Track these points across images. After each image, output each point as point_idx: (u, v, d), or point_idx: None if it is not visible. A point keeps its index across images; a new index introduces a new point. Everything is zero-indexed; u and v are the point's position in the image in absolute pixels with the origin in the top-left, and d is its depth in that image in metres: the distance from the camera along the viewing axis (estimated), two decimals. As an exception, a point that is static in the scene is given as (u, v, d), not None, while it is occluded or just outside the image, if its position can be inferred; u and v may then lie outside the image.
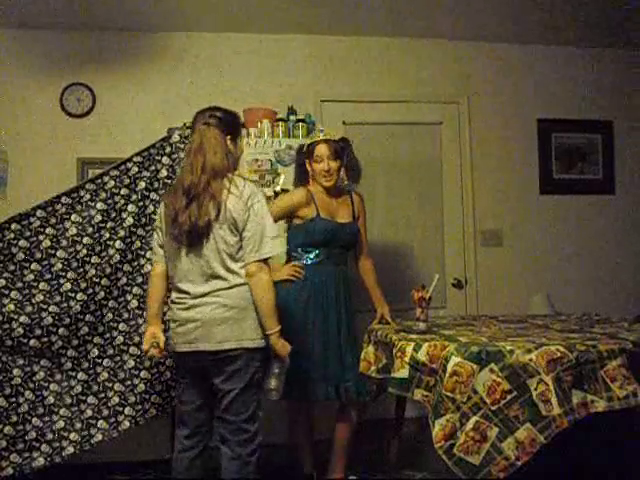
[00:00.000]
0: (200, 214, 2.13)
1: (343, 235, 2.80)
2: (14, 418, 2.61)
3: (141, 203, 2.84)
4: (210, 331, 2.16)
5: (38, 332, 2.64)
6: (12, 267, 2.70)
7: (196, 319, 2.17)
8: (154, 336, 2.32)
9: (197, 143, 2.21)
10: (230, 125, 2.27)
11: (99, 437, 2.72)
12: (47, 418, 2.67)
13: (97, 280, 2.74)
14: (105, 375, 2.75)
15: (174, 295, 2.27)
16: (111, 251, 2.77)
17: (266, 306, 2.18)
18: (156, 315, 2.34)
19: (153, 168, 2.88)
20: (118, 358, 2.76)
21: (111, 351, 2.76)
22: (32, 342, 2.63)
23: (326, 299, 2.75)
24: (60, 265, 2.74)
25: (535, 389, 2.02)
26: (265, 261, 2.19)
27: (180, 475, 2.30)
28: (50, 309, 2.67)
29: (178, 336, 2.23)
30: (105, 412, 2.74)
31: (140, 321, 2.79)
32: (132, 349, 2.77)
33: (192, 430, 2.30)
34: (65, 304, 2.69)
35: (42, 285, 2.71)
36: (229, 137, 2.26)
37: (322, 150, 2.76)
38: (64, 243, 2.76)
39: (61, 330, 2.68)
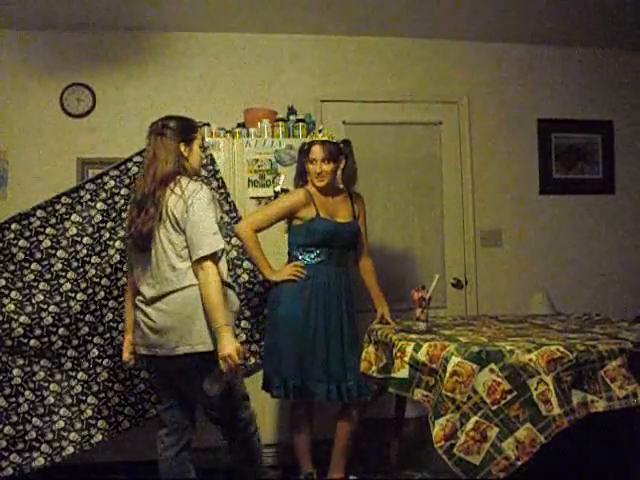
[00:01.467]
0: (143, 221, 2.20)
1: (343, 235, 2.80)
2: (14, 418, 2.62)
3: (141, 203, 2.84)
4: (162, 337, 2.20)
5: (38, 332, 2.64)
6: (12, 267, 2.70)
7: (149, 325, 2.23)
8: (132, 343, 2.40)
9: (150, 155, 2.28)
10: (182, 132, 2.30)
11: (99, 437, 2.72)
12: (47, 418, 2.67)
13: (97, 280, 2.74)
14: (105, 375, 2.76)
15: (136, 299, 2.32)
16: (111, 251, 2.77)
17: (208, 301, 2.15)
18: (133, 324, 2.39)
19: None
20: (118, 358, 2.76)
21: (111, 351, 2.76)
22: (32, 342, 2.64)
23: (327, 299, 2.75)
24: (60, 265, 2.74)
25: (535, 389, 2.02)
26: (210, 257, 2.16)
27: (166, 474, 2.33)
28: (50, 309, 2.67)
29: (139, 339, 2.30)
30: (105, 412, 2.74)
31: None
32: (132, 349, 2.77)
33: (170, 428, 2.35)
34: (65, 304, 2.69)
35: (42, 285, 2.71)
36: (182, 144, 2.29)
37: (316, 152, 2.77)
38: (64, 243, 2.76)
39: (61, 330, 2.68)
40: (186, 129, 2.33)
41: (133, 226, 2.24)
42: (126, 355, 2.42)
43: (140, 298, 2.28)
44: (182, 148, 2.29)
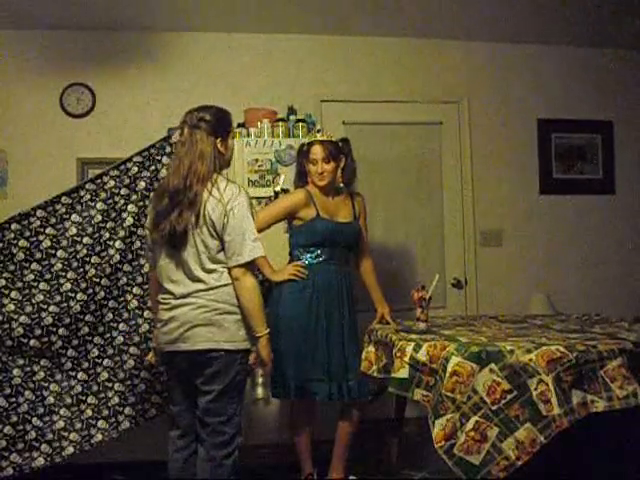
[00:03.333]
0: (179, 220, 2.14)
1: (344, 234, 2.80)
2: (14, 418, 2.61)
3: (141, 203, 2.84)
4: (189, 332, 2.17)
5: (38, 332, 2.64)
6: (12, 267, 2.70)
7: (177, 319, 2.19)
8: (157, 343, 2.36)
9: (185, 148, 2.21)
10: (219, 127, 2.24)
11: (99, 437, 2.72)
12: (47, 418, 2.67)
13: (97, 280, 2.74)
14: (105, 375, 2.75)
15: (160, 296, 2.29)
16: (111, 251, 2.77)
17: (252, 309, 2.17)
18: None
19: (153, 168, 2.87)
20: (118, 358, 2.76)
21: (111, 351, 2.76)
22: (32, 342, 2.63)
23: (328, 299, 2.75)
24: (60, 265, 2.74)
25: (535, 389, 2.02)
26: (249, 264, 2.17)
27: (176, 475, 2.31)
28: (50, 309, 2.67)
29: (162, 336, 2.26)
30: (105, 412, 2.73)
31: (140, 321, 2.79)
32: (132, 349, 2.77)
33: (183, 431, 2.32)
34: (65, 304, 2.69)
35: (42, 285, 2.71)
36: (219, 140, 2.23)
37: (316, 152, 2.77)
38: (64, 243, 2.76)
39: (61, 330, 2.68)
40: (222, 123, 2.25)
41: (166, 222, 2.16)
42: (152, 357, 2.45)
43: (166, 295, 2.25)
44: (219, 145, 2.22)
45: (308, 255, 2.78)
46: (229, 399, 2.21)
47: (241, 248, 2.14)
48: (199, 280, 2.18)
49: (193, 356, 2.19)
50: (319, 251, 2.77)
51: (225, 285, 2.19)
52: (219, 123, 2.24)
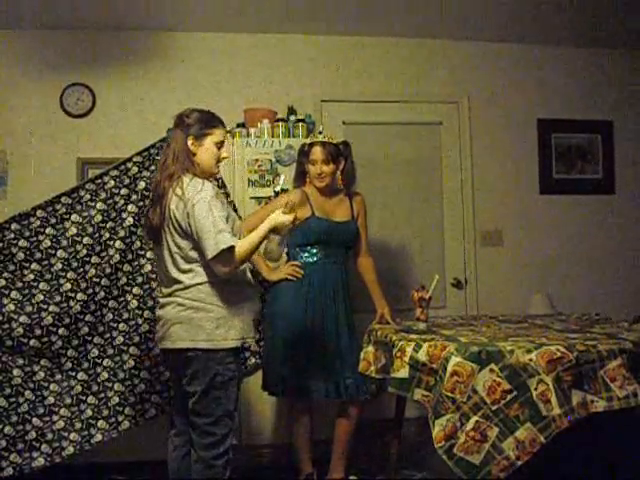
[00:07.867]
0: (153, 214, 2.19)
1: (340, 234, 2.81)
2: (14, 418, 2.62)
3: (141, 203, 2.84)
4: (169, 330, 2.19)
5: (38, 332, 2.64)
6: (12, 267, 2.70)
7: (162, 317, 2.22)
8: None
9: (166, 145, 2.31)
10: (194, 126, 2.23)
11: (99, 437, 2.72)
12: (47, 418, 2.67)
13: (97, 280, 2.74)
14: (105, 375, 2.76)
15: (155, 294, 2.33)
16: (111, 251, 2.78)
17: (248, 251, 2.16)
18: None
19: (153, 168, 2.88)
20: (118, 358, 2.76)
21: (111, 351, 2.77)
22: (32, 342, 2.64)
23: (325, 297, 2.76)
24: (60, 265, 2.74)
25: (535, 389, 2.02)
26: (221, 256, 2.10)
27: (175, 474, 2.31)
28: (50, 309, 2.67)
29: (156, 333, 2.30)
30: (105, 412, 2.74)
31: (140, 321, 2.80)
32: (132, 349, 2.78)
33: (179, 429, 2.33)
34: (65, 304, 2.69)
35: (42, 285, 2.71)
36: (191, 137, 2.22)
37: (316, 153, 2.77)
38: (64, 243, 2.77)
39: (61, 330, 2.68)
40: (200, 122, 2.24)
41: (147, 215, 2.24)
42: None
43: (159, 294, 2.29)
44: (190, 142, 2.21)
45: (304, 254, 2.79)
46: (214, 400, 2.17)
47: (207, 244, 2.10)
48: (176, 279, 2.19)
49: (175, 355, 2.20)
50: (315, 250, 2.78)
51: (200, 284, 2.17)
52: (195, 122, 2.24)
